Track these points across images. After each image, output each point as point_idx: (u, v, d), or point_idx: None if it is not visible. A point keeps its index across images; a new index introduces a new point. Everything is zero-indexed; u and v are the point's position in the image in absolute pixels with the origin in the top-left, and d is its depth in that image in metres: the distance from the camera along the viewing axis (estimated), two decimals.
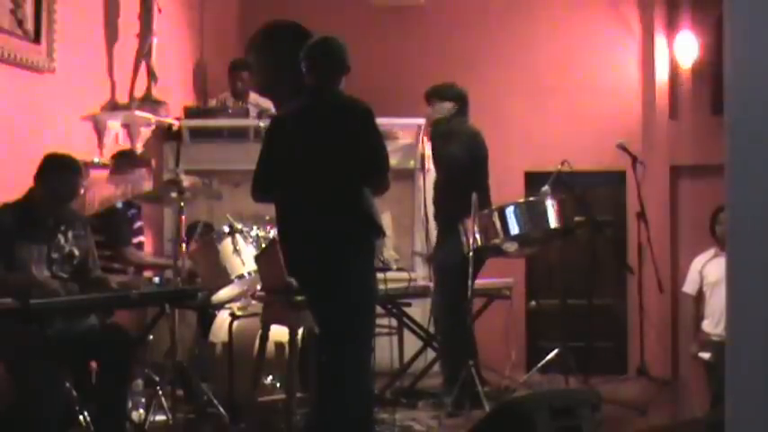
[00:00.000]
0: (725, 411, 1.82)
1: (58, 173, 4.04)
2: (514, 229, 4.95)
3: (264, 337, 4.56)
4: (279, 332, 4.61)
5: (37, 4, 5.01)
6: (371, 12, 7.59)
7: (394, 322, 5.48)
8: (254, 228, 4.92)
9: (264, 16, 7.29)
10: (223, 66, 7.01)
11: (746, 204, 1.79)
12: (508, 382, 5.47)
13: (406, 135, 6.24)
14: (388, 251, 5.42)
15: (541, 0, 7.64)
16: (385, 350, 5.17)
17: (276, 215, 3.87)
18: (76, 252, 4.13)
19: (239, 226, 4.83)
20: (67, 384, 3.90)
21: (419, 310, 5.67)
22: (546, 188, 5.05)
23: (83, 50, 5.58)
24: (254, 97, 6.77)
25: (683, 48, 7.29)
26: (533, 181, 6.90)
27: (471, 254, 4.82)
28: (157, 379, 4.61)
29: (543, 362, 5.41)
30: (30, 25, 4.98)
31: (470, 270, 4.77)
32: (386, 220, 4.04)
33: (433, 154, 5.29)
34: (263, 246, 4.66)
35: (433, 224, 5.37)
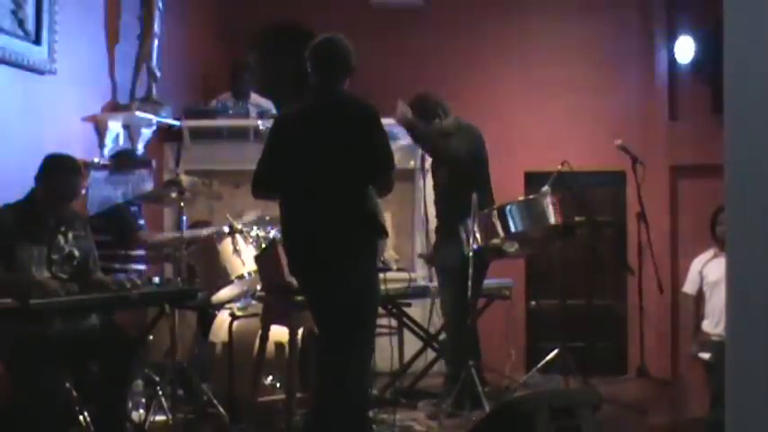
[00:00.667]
0: (725, 411, 1.82)
1: (59, 173, 4.05)
2: (514, 227, 4.94)
3: (264, 337, 4.56)
4: (279, 332, 4.62)
5: (38, 5, 5.02)
6: (371, 12, 7.59)
7: (394, 322, 5.48)
8: (255, 228, 4.92)
9: (265, 16, 7.29)
10: (223, 66, 7.01)
11: (746, 204, 1.79)
12: (508, 382, 5.47)
13: (407, 135, 6.24)
14: (388, 251, 5.42)
15: (541, 0, 7.64)
16: (385, 350, 5.17)
17: (280, 215, 3.87)
18: (76, 253, 4.13)
19: (239, 226, 4.83)
20: (67, 384, 3.90)
21: (419, 310, 5.67)
22: (546, 188, 5.05)
23: (84, 51, 5.59)
24: (254, 98, 6.78)
25: (683, 48, 7.29)
26: (533, 181, 6.90)
27: (471, 254, 4.82)
28: (157, 379, 4.61)
29: (543, 362, 5.41)
30: (31, 26, 4.98)
31: (470, 270, 4.77)
32: (386, 221, 4.04)
33: (435, 155, 5.27)
34: (263, 246, 4.66)
35: (433, 224, 5.37)
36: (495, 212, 4.94)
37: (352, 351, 3.66)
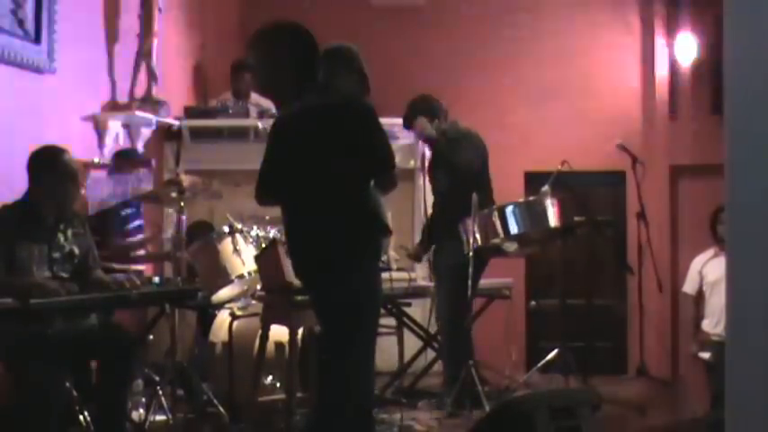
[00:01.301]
0: (725, 411, 1.82)
1: (51, 174, 4.02)
2: (514, 228, 4.95)
3: (264, 337, 4.56)
4: (279, 332, 4.61)
5: (37, 4, 5.01)
6: (371, 12, 7.60)
7: (394, 322, 5.48)
8: (255, 228, 4.92)
9: (265, 16, 7.23)
10: (223, 66, 7.01)
11: (746, 204, 1.79)
12: (508, 382, 5.47)
13: (407, 135, 6.24)
14: (389, 251, 5.42)
15: (541, 0, 7.64)
16: (385, 350, 5.16)
17: (282, 215, 3.86)
18: (77, 251, 4.12)
19: (239, 226, 4.83)
20: (67, 384, 3.90)
21: (419, 310, 5.67)
22: (546, 188, 5.04)
23: (83, 51, 5.58)
24: (255, 98, 6.77)
25: (683, 48, 7.29)
26: (533, 181, 6.90)
27: (471, 254, 4.82)
28: (157, 379, 4.61)
29: (543, 362, 5.40)
30: (30, 25, 4.98)
31: (470, 270, 4.77)
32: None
33: (440, 161, 5.25)
34: (263, 246, 4.66)
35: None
36: (495, 212, 4.94)
37: (354, 351, 3.66)
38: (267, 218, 4.96)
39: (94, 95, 5.77)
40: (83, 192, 5.18)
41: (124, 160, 5.42)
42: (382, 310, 5.08)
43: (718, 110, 6.87)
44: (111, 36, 5.90)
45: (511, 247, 5.24)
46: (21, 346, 3.74)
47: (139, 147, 5.98)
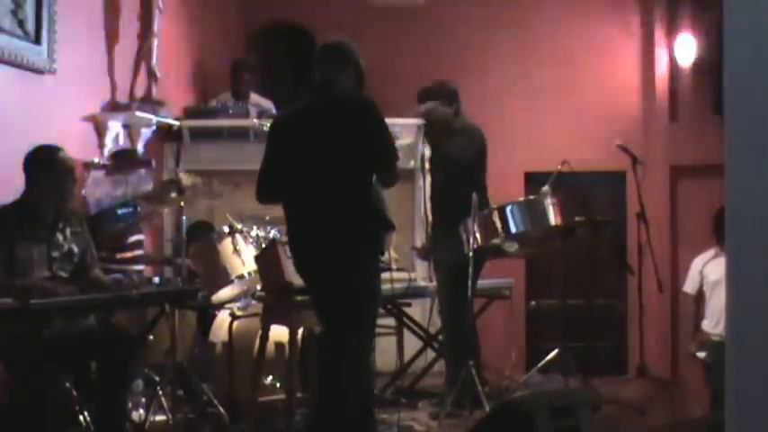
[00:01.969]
0: (725, 411, 1.82)
1: (46, 172, 4.02)
2: (514, 227, 4.94)
3: (264, 337, 4.56)
4: (279, 332, 4.61)
5: (38, 4, 5.01)
6: (371, 12, 7.60)
7: (394, 322, 5.48)
8: (255, 228, 4.92)
9: (265, 16, 7.28)
10: (223, 66, 7.01)
11: (746, 204, 1.79)
12: (508, 382, 5.47)
13: (406, 135, 6.24)
14: (389, 251, 5.42)
15: (541, 0, 7.64)
16: (385, 350, 5.16)
17: (284, 213, 3.85)
18: (75, 249, 4.12)
19: (239, 226, 4.83)
20: (67, 384, 3.90)
21: (419, 310, 5.66)
22: (546, 188, 5.04)
23: (83, 51, 5.58)
24: (255, 98, 6.78)
25: (683, 48, 7.29)
26: (533, 181, 6.91)
27: (472, 254, 4.82)
28: (157, 379, 4.61)
29: (543, 362, 5.40)
30: (30, 26, 4.97)
31: (471, 270, 4.77)
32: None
33: (438, 154, 5.25)
34: (263, 246, 4.66)
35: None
36: (495, 212, 4.94)
37: (353, 351, 3.66)
38: (267, 218, 4.96)
39: (94, 96, 5.77)
40: (83, 192, 5.19)
41: (124, 160, 5.41)
42: (382, 311, 5.09)
43: (718, 110, 6.87)
44: (111, 36, 5.89)
45: (511, 247, 5.23)
46: (21, 346, 3.74)
47: (139, 147, 5.98)
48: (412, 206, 6.39)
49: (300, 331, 4.63)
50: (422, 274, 6.01)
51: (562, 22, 7.57)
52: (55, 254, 4.03)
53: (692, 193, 7.31)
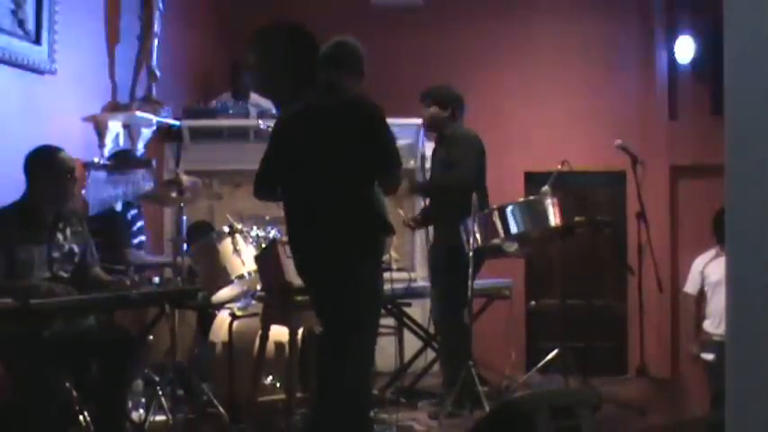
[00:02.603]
0: (725, 411, 1.82)
1: (45, 173, 4.02)
2: (515, 228, 4.94)
3: (264, 337, 4.56)
4: (279, 332, 4.61)
5: (38, 4, 5.02)
6: (371, 12, 7.60)
7: (394, 322, 5.47)
8: (255, 228, 4.92)
9: (265, 16, 7.29)
10: (223, 66, 7.01)
11: (746, 204, 1.79)
12: (508, 382, 5.47)
13: (406, 135, 6.24)
14: (389, 251, 5.42)
15: (541, 0, 7.64)
16: (385, 350, 5.16)
17: (285, 214, 3.85)
18: (76, 249, 4.12)
19: (239, 226, 4.83)
20: (67, 384, 3.90)
21: (419, 310, 5.67)
22: (546, 188, 5.04)
23: (84, 51, 5.59)
24: (254, 98, 6.78)
25: (683, 48, 7.29)
26: (533, 181, 6.91)
27: (471, 254, 4.81)
28: (157, 379, 4.61)
29: (543, 362, 5.40)
30: (31, 26, 4.98)
31: (470, 270, 4.77)
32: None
33: (439, 160, 5.24)
34: (263, 246, 4.66)
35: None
36: (495, 213, 4.94)
37: (354, 351, 3.66)
38: (267, 218, 4.96)
39: (95, 96, 5.77)
40: (83, 192, 5.19)
41: (124, 161, 5.42)
42: (382, 311, 5.09)
43: (718, 110, 6.87)
44: (112, 37, 5.90)
45: (511, 247, 5.23)
46: (21, 347, 3.74)
47: (139, 147, 5.98)
48: (412, 206, 6.38)
49: (300, 331, 4.64)
50: (422, 274, 6.01)
51: (562, 22, 7.57)
52: (56, 254, 4.03)
53: (692, 193, 7.31)
